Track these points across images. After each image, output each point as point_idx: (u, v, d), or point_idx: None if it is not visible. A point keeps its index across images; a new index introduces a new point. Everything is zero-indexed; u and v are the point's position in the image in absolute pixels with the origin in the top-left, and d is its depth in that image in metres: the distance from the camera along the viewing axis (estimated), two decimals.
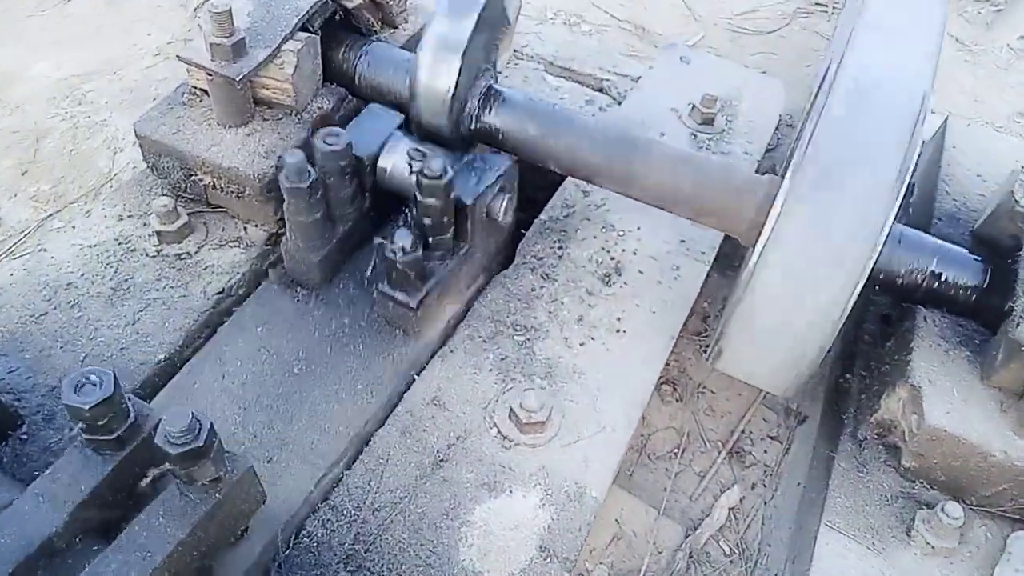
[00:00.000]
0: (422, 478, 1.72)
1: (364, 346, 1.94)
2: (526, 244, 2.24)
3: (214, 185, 2.09)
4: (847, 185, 1.52)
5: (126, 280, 1.98)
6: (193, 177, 2.10)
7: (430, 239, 1.88)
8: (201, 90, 2.10)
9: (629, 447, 1.92)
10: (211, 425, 1.28)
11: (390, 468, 1.73)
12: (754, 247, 1.61)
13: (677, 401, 2.36)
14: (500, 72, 2.18)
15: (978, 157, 2.37)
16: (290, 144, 2.05)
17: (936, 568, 1.66)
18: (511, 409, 1.81)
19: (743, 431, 2.30)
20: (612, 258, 2.22)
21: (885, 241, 1.53)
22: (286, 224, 1.96)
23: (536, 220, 2.32)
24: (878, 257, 1.53)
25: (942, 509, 1.65)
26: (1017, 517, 1.73)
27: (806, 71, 3.68)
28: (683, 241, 2.28)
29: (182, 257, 2.05)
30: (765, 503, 2.14)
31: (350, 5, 2.15)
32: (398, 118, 2.02)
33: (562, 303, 2.10)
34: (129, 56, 3.38)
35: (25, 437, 1.67)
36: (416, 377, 1.91)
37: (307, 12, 2.02)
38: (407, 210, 1.87)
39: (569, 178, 2.38)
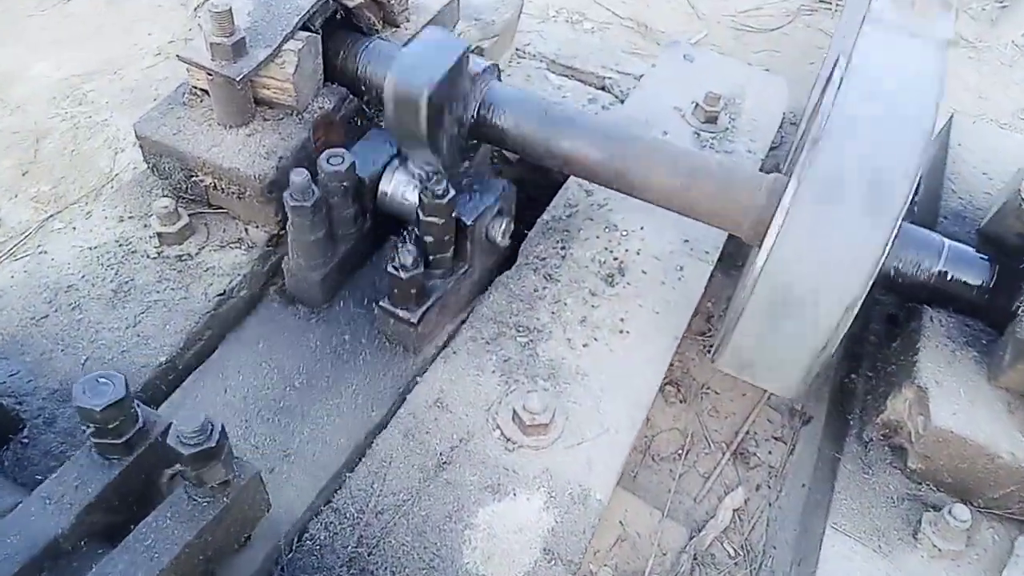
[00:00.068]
0: (425, 481, 1.71)
1: (364, 362, 1.96)
2: (528, 244, 2.22)
3: (215, 186, 2.08)
4: (856, 185, 1.50)
5: (127, 282, 1.97)
6: (194, 178, 2.09)
7: (431, 257, 1.92)
8: (201, 90, 2.09)
9: (633, 448, 1.91)
10: (222, 427, 1.29)
11: (393, 471, 1.72)
12: (760, 247, 1.60)
13: (681, 402, 2.34)
14: (503, 71, 2.17)
15: (984, 155, 2.36)
16: (291, 144, 2.04)
17: (943, 571, 1.65)
18: (514, 411, 1.80)
19: (747, 432, 2.29)
20: (615, 258, 2.21)
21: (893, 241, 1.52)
22: (288, 242, 1.99)
23: (539, 220, 2.31)
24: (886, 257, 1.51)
25: (949, 511, 1.63)
26: None
27: (809, 68, 3.66)
28: (687, 241, 2.27)
29: (183, 259, 2.04)
30: (770, 504, 2.13)
31: (351, 4, 2.13)
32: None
33: (565, 304, 2.08)
34: (130, 56, 3.37)
35: (26, 441, 1.66)
36: (419, 380, 1.90)
37: (308, 11, 2.00)
38: (407, 230, 1.92)
39: (572, 177, 2.36)
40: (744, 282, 2.09)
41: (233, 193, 2.06)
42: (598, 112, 2.90)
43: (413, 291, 1.87)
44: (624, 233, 2.27)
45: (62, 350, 1.83)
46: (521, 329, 2.02)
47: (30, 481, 1.57)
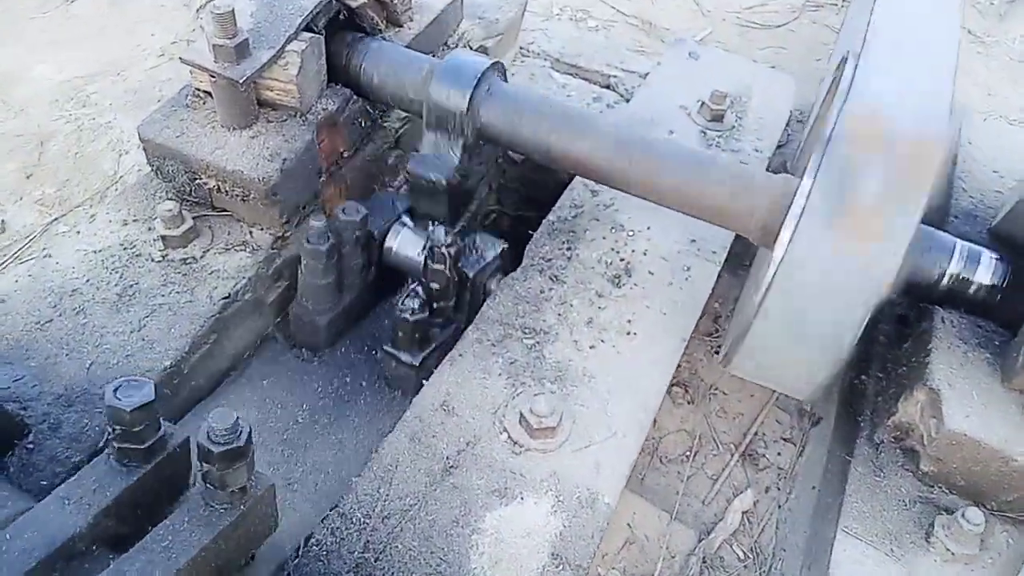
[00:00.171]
0: (432, 485, 1.70)
1: (365, 403, 2.05)
2: (534, 245, 2.21)
3: (219, 188, 2.07)
4: (871, 187, 1.48)
5: (131, 286, 1.96)
6: (198, 180, 2.08)
7: (434, 305, 2.05)
8: (204, 92, 2.07)
9: (640, 450, 1.89)
10: (250, 430, 1.31)
11: (399, 475, 1.71)
12: (772, 250, 1.58)
13: (689, 403, 2.33)
14: (507, 70, 2.15)
15: (994, 152, 2.34)
16: (295, 146, 2.03)
17: (956, 575, 1.63)
18: (521, 414, 1.79)
19: (756, 433, 2.27)
20: (622, 259, 2.19)
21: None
22: (298, 286, 2.10)
23: (544, 220, 2.29)
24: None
25: (962, 515, 1.62)
26: None
27: (816, 65, 3.63)
28: (694, 241, 2.25)
29: (187, 262, 2.03)
30: (779, 507, 2.11)
31: (354, 4, 2.12)
32: (405, 202, 2.21)
33: (571, 305, 2.07)
34: (133, 57, 3.36)
35: (31, 446, 1.65)
36: (425, 383, 1.89)
37: (311, 12, 1.99)
38: (412, 282, 2.05)
39: (578, 177, 2.35)
40: (753, 283, 2.08)
41: (237, 195, 2.05)
42: (603, 111, 2.89)
43: (417, 336, 2.00)
44: (630, 233, 2.25)
45: (67, 355, 1.82)
46: (527, 331, 2.01)
47: (35, 487, 1.56)
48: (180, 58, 1.99)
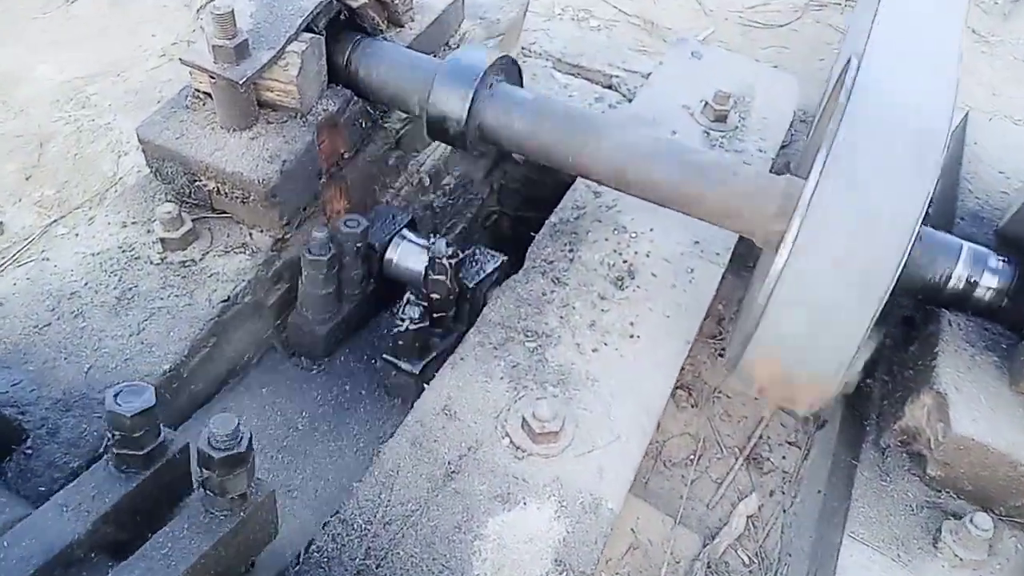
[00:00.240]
0: (433, 490, 1.68)
1: (365, 411, 2.05)
2: (536, 247, 2.19)
3: (218, 190, 2.05)
4: (875, 189, 1.46)
5: (130, 289, 1.95)
6: (197, 182, 2.06)
7: (435, 315, 2.06)
8: (204, 93, 2.06)
9: (644, 454, 1.87)
10: (250, 435, 1.29)
11: (401, 480, 1.69)
12: (777, 252, 1.56)
13: (692, 406, 2.31)
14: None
15: (1001, 153, 2.31)
16: (295, 147, 2.02)
17: None
18: (523, 419, 1.77)
19: (760, 436, 2.25)
20: (624, 261, 2.17)
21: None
22: (298, 296, 2.11)
23: (546, 222, 2.27)
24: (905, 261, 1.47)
25: (970, 520, 1.60)
26: None
27: (819, 65, 3.61)
28: (697, 242, 2.23)
29: (187, 264, 2.01)
30: (784, 511, 2.09)
31: (355, 5, 2.10)
32: (405, 217, 2.23)
33: (574, 308, 2.05)
34: (133, 58, 3.35)
35: (29, 452, 1.63)
36: (426, 386, 1.87)
37: (311, 12, 1.98)
38: (413, 291, 2.06)
39: (579, 178, 2.33)
40: (756, 286, 2.06)
41: (237, 197, 2.03)
42: (605, 111, 2.87)
43: (417, 344, 2.01)
44: (633, 235, 2.23)
45: (65, 359, 1.80)
46: (529, 334, 1.99)
47: (33, 493, 1.55)
48: (180, 59, 1.98)
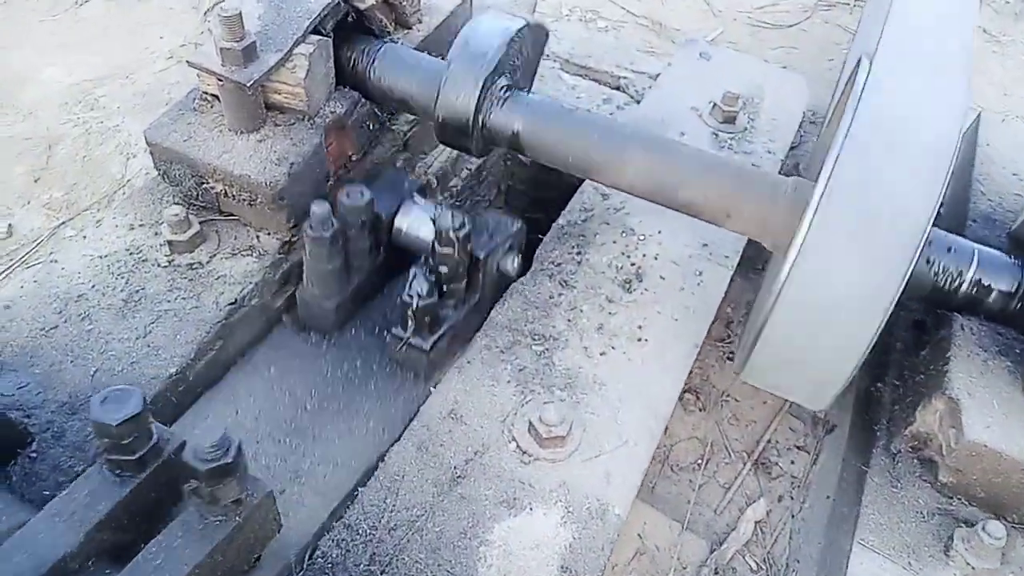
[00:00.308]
0: (439, 495, 1.67)
1: (376, 387, 1.97)
2: (543, 250, 2.18)
3: (226, 193, 2.05)
4: (885, 191, 1.45)
5: (137, 291, 1.95)
6: (204, 185, 2.06)
7: (444, 287, 1.96)
8: (212, 95, 2.06)
9: (651, 459, 1.86)
10: (240, 443, 1.27)
11: (406, 485, 1.69)
12: (785, 255, 1.54)
13: (700, 410, 2.29)
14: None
15: (1013, 154, 2.29)
16: (303, 150, 2.01)
17: None
18: (530, 423, 1.76)
19: (769, 441, 2.23)
20: (632, 263, 2.16)
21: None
22: (304, 271, 2.03)
23: (553, 224, 2.26)
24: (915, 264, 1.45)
25: (983, 528, 1.57)
26: None
27: (828, 65, 3.59)
28: (705, 245, 2.21)
29: (194, 267, 2.01)
30: (793, 516, 2.07)
31: (362, 6, 2.10)
32: (416, 181, 2.16)
33: (581, 311, 2.04)
34: (141, 60, 3.36)
35: (35, 455, 1.63)
36: (433, 390, 1.86)
37: (319, 14, 1.97)
38: (423, 261, 1.97)
39: (587, 181, 2.32)
40: (766, 289, 2.04)
41: (244, 200, 2.03)
42: (613, 112, 2.85)
43: (427, 319, 1.91)
44: (641, 237, 2.22)
45: (72, 361, 1.80)
46: (537, 337, 1.98)
47: (38, 497, 1.55)
48: (187, 61, 1.98)
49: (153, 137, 2.04)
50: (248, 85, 1.88)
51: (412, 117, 2.37)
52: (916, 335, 2.05)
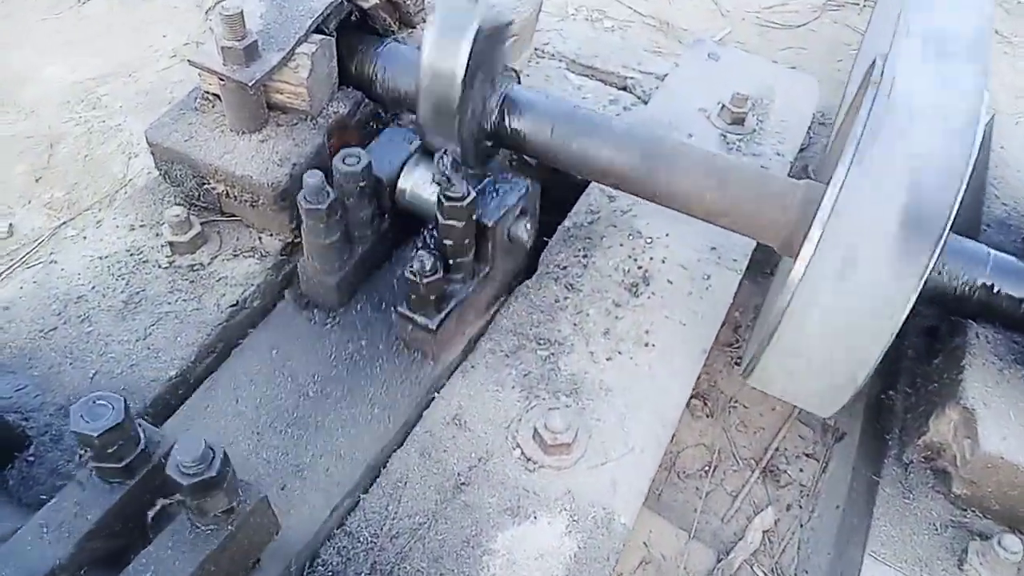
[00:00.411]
0: (442, 503, 1.64)
1: (382, 370, 1.88)
2: (549, 253, 2.15)
3: (227, 193, 2.02)
4: (900, 195, 1.41)
5: (138, 293, 1.92)
6: (206, 185, 2.04)
7: (451, 261, 1.84)
8: (214, 95, 2.03)
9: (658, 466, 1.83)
10: (224, 454, 1.23)
11: (408, 492, 1.66)
12: (797, 259, 1.51)
13: (707, 416, 2.26)
14: (521, 71, 2.09)
15: None
16: (305, 150, 1.98)
17: None
18: (535, 429, 1.73)
19: (777, 448, 2.20)
20: (639, 267, 2.13)
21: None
22: (303, 245, 1.92)
23: (559, 227, 2.23)
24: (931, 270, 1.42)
25: (999, 542, 1.54)
26: None
27: (837, 66, 3.55)
28: (714, 248, 2.18)
29: (195, 268, 1.99)
30: (802, 526, 2.04)
31: (366, 5, 2.07)
32: (417, 140, 1.98)
33: (587, 315, 2.01)
34: (144, 58, 3.34)
35: (32, 459, 1.61)
36: (436, 395, 1.83)
37: (321, 13, 1.94)
38: (426, 232, 1.85)
39: (594, 183, 2.28)
40: (775, 292, 2.01)
41: (246, 201, 2.00)
42: (620, 113, 2.82)
43: (432, 297, 1.80)
44: (648, 240, 2.19)
45: (71, 364, 1.78)
46: (542, 341, 1.95)
47: (35, 501, 1.52)
48: (188, 60, 1.95)
49: (154, 137, 2.02)
50: (250, 84, 1.86)
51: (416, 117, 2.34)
52: (928, 341, 2.01)
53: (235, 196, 2.01)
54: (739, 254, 2.18)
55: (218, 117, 2.03)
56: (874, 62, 1.66)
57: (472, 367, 1.88)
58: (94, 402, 1.26)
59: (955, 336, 1.78)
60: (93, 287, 1.93)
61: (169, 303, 1.92)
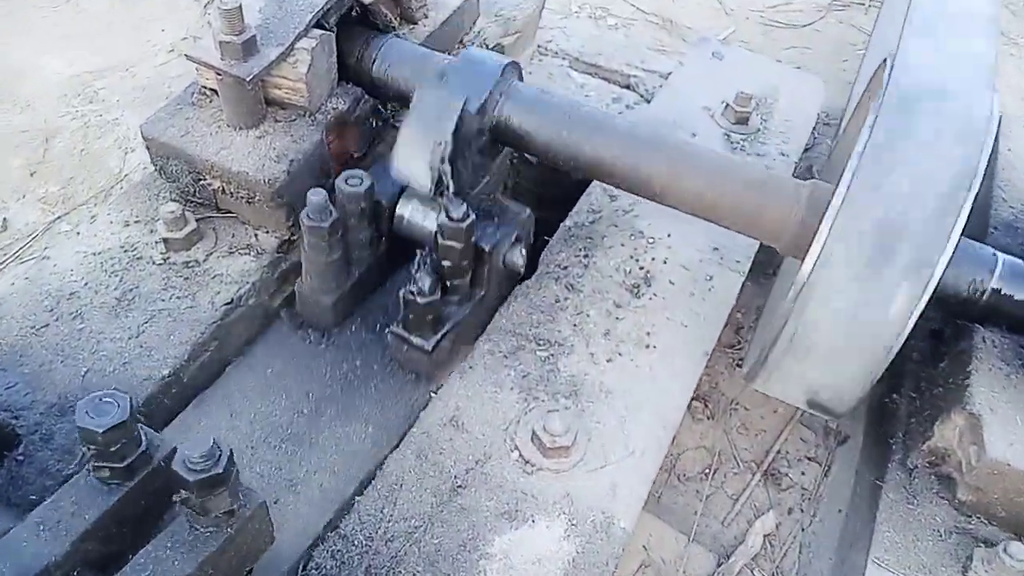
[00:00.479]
0: (438, 505, 1.62)
1: (376, 389, 1.89)
2: (549, 252, 2.12)
3: (223, 190, 2.00)
4: (909, 197, 1.38)
5: (131, 290, 1.90)
6: (202, 181, 2.01)
7: (447, 283, 1.87)
8: (211, 90, 2.01)
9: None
10: (231, 453, 1.23)
11: (404, 494, 1.63)
12: (803, 261, 1.48)
13: (708, 418, 2.23)
14: (523, 68, 2.07)
15: None
16: (303, 146, 1.96)
17: None
18: (534, 432, 1.70)
19: (779, 451, 2.17)
20: (641, 267, 2.10)
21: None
22: (302, 264, 1.94)
23: (560, 226, 2.20)
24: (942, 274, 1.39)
25: (1004, 549, 1.51)
26: None
27: (842, 66, 3.53)
28: (716, 249, 2.15)
29: (190, 265, 1.96)
30: (803, 530, 2.02)
31: (367, 0, 2.04)
32: None
33: (588, 316, 1.98)
34: (142, 53, 3.31)
35: (22, 458, 1.58)
36: (433, 396, 1.81)
37: (321, 8, 1.92)
38: (424, 255, 1.87)
39: (595, 181, 2.26)
40: (779, 293, 1.98)
41: (242, 197, 1.98)
42: (623, 112, 2.79)
43: (429, 317, 1.82)
44: (650, 241, 2.16)
45: (62, 361, 1.75)
46: (541, 342, 1.92)
47: (24, 501, 1.50)
48: (186, 55, 1.92)
49: (150, 132, 1.99)
50: (247, 80, 1.83)
51: None
52: (933, 345, 1.99)
53: (231, 192, 1.99)
54: (742, 255, 2.15)
55: (215, 112, 2.00)
56: (884, 61, 1.63)
57: (470, 368, 1.86)
58: (100, 399, 1.26)
59: (961, 340, 1.76)
60: (86, 283, 1.90)
61: (163, 300, 1.89)
